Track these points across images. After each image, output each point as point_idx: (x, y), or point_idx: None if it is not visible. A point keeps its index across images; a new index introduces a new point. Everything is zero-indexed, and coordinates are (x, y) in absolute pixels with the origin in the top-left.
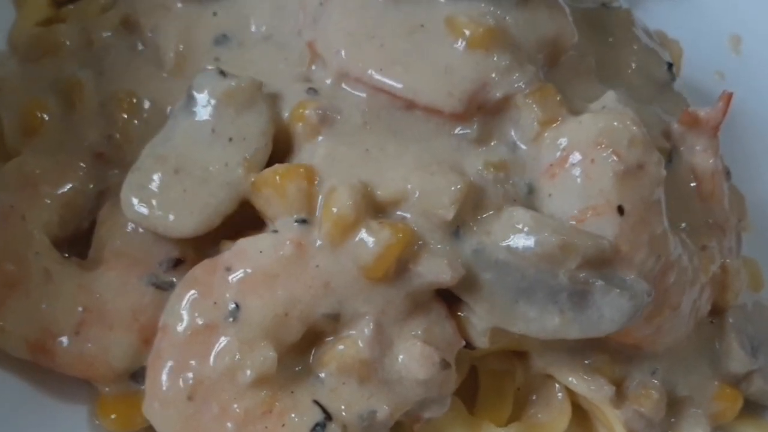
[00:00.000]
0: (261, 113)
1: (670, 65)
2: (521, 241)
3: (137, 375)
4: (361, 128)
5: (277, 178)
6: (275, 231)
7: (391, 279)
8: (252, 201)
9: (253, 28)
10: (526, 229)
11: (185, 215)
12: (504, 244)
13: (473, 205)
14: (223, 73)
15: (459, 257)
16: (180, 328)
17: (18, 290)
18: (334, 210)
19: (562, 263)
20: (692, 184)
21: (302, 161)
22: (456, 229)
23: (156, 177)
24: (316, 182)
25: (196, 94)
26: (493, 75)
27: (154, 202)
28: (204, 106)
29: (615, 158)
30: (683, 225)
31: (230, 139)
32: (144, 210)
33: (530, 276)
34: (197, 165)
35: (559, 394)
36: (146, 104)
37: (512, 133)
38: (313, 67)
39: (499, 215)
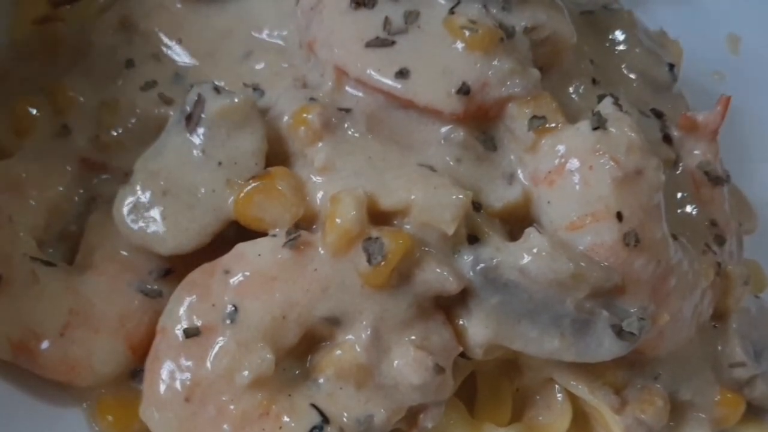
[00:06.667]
0: (254, 132)
1: (671, 66)
2: (536, 265)
3: (137, 375)
4: (363, 135)
5: (267, 182)
6: (274, 235)
7: (393, 286)
8: (241, 220)
9: (253, 32)
10: (543, 254)
11: (167, 237)
12: (517, 265)
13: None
14: (217, 89)
15: (463, 268)
16: (178, 330)
17: (3, 290)
18: (338, 221)
19: (571, 291)
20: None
21: (302, 168)
22: (460, 241)
23: (145, 196)
24: (306, 185)
25: (188, 111)
26: (493, 76)
27: (141, 220)
28: (196, 124)
29: (613, 164)
30: (683, 229)
31: (219, 163)
32: (133, 225)
33: (538, 299)
34: (185, 188)
35: (559, 395)
36: (135, 111)
37: (510, 143)
38: (313, 70)
39: (505, 234)
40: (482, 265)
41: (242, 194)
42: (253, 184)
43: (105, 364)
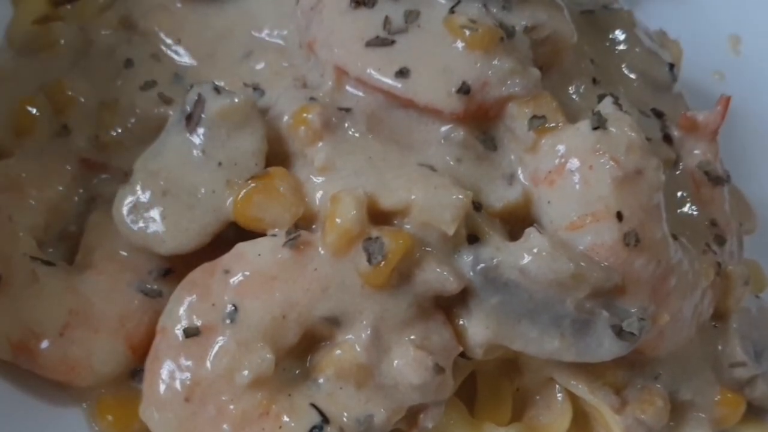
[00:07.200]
0: (254, 132)
1: (671, 66)
2: (536, 265)
3: (137, 374)
4: (363, 135)
5: (266, 182)
6: (274, 235)
7: (393, 286)
8: (240, 221)
9: (253, 32)
10: (543, 254)
11: (167, 237)
12: (517, 265)
13: (475, 219)
14: (217, 89)
15: (463, 268)
16: (178, 329)
17: (3, 290)
18: (339, 221)
19: (571, 291)
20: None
21: (302, 168)
22: (460, 241)
23: (145, 196)
24: (306, 185)
25: (189, 111)
26: (494, 75)
27: (140, 220)
28: (196, 124)
29: (613, 164)
30: (683, 229)
31: (219, 164)
32: (132, 225)
33: (538, 299)
34: (185, 188)
35: (560, 395)
36: (135, 111)
37: (510, 143)
38: (313, 70)
39: (505, 234)
40: (482, 265)
41: (241, 195)
42: (252, 185)
43: (105, 364)
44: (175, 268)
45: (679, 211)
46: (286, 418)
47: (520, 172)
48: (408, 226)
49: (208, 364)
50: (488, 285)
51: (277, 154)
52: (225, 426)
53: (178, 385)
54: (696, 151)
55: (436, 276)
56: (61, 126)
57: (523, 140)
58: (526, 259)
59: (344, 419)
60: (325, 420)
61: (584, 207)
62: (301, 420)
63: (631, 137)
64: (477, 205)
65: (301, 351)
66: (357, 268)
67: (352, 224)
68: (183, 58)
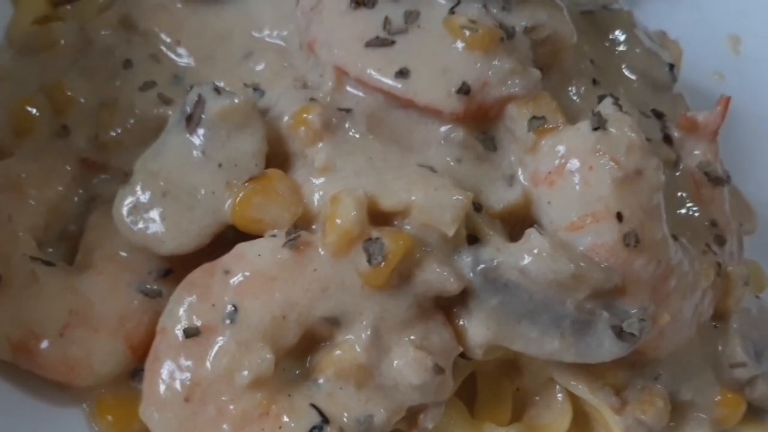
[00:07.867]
0: (254, 132)
1: (671, 66)
2: (536, 265)
3: (137, 374)
4: (363, 136)
5: (264, 183)
6: (274, 235)
7: (393, 286)
8: (239, 224)
9: (254, 33)
10: (543, 254)
11: (166, 237)
12: (518, 265)
13: (476, 220)
14: (217, 90)
15: (463, 269)
16: (178, 330)
17: (3, 291)
18: (339, 222)
19: (571, 292)
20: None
21: (302, 168)
22: (460, 242)
23: (145, 196)
24: (305, 185)
25: (189, 111)
26: (493, 76)
27: (140, 220)
28: (196, 125)
29: (613, 165)
30: (684, 230)
31: (219, 165)
32: (132, 226)
33: (538, 300)
34: (185, 189)
35: (560, 395)
36: (134, 111)
37: (510, 144)
38: (313, 70)
39: (506, 235)
40: (482, 265)
41: (239, 198)
42: (250, 186)
43: (105, 364)
44: (175, 269)
45: (679, 211)
46: (286, 419)
47: (520, 172)
48: (408, 227)
49: (208, 365)
50: (488, 286)
51: (278, 155)
52: (225, 426)
53: (178, 385)
54: (696, 152)
55: (436, 276)
56: (60, 126)
57: (523, 141)
58: (527, 259)
59: (344, 419)
60: (325, 420)
61: (584, 207)
62: (301, 420)
63: (631, 138)
64: (477, 206)
65: (301, 351)
66: (357, 268)
67: (352, 225)
68: (183, 58)
